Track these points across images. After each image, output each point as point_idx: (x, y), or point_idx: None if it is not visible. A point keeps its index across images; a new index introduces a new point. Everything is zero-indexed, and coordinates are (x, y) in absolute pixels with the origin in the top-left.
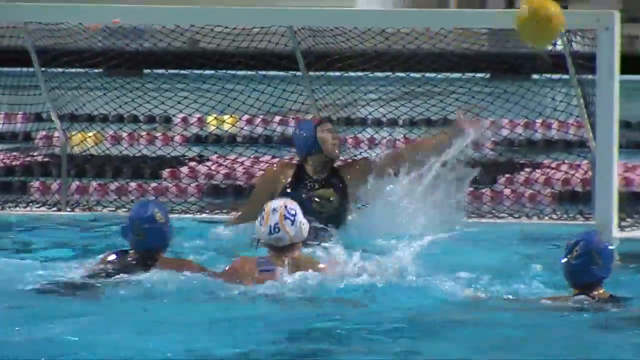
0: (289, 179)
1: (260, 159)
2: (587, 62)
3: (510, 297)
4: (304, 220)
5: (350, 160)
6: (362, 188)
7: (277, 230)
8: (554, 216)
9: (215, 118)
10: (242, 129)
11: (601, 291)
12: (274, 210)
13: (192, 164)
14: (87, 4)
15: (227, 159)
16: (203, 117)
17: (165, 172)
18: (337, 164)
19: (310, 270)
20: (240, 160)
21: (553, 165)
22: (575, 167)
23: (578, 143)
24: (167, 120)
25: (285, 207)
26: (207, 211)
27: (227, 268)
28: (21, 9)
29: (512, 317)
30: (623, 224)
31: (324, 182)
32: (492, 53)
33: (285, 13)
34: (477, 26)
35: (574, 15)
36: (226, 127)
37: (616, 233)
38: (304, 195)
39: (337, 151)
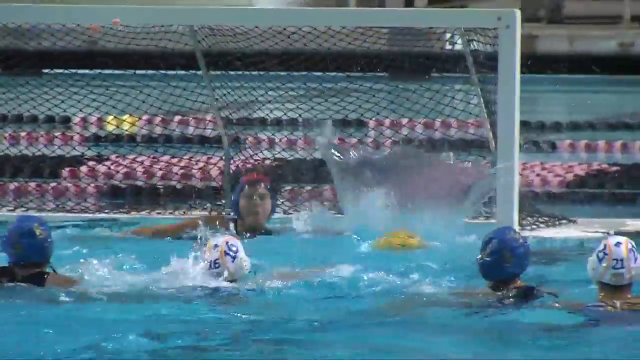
0: None
1: (160, 159)
2: (487, 61)
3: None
4: (245, 257)
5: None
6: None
7: (217, 266)
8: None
9: (115, 117)
10: (141, 128)
11: (518, 283)
12: (216, 246)
13: (92, 163)
14: None
15: (127, 158)
16: (102, 117)
17: (65, 172)
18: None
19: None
20: (139, 160)
21: None
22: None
23: (478, 142)
24: (66, 120)
25: (227, 243)
26: (106, 211)
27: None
28: None
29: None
30: (523, 222)
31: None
32: (392, 52)
33: (185, 12)
34: (376, 25)
35: (474, 13)
36: (125, 126)
37: None
38: None
39: (255, 219)
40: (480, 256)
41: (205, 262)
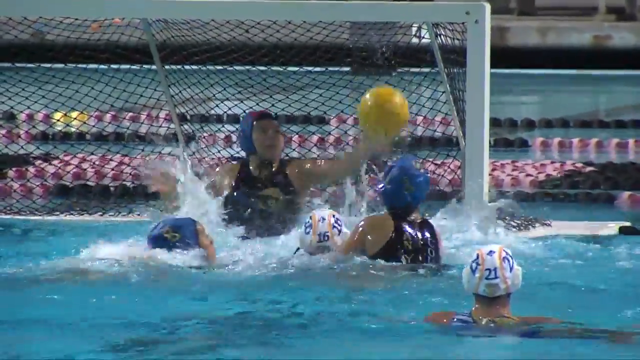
0: (233, 180)
1: (111, 158)
2: (456, 56)
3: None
4: (346, 231)
5: (297, 160)
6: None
7: (326, 238)
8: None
9: (65, 115)
10: (93, 126)
11: (416, 215)
12: (322, 219)
13: (39, 163)
14: None
15: (76, 157)
16: (50, 114)
17: (11, 172)
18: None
19: None
20: (89, 159)
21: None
22: (442, 166)
23: (445, 141)
24: (12, 116)
25: (334, 216)
26: (56, 213)
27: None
28: None
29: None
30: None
31: (268, 181)
32: (355, 46)
33: (138, 4)
34: (339, 19)
35: (442, 7)
36: (75, 124)
37: None
38: (248, 197)
39: (272, 153)
40: (381, 185)
41: (314, 234)
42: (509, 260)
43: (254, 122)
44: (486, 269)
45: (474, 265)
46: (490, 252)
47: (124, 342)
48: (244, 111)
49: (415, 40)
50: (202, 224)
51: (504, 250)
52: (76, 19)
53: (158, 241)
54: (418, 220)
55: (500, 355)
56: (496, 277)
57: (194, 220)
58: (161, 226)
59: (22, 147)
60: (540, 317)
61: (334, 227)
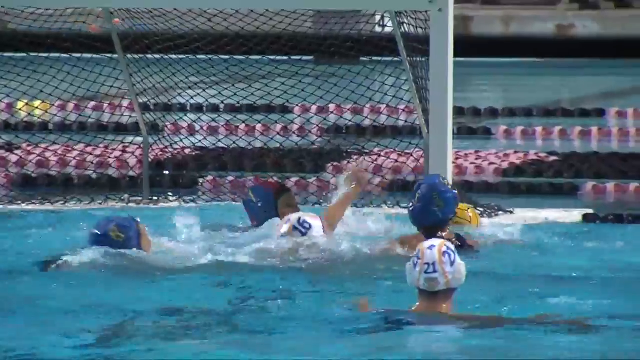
0: None
1: (74, 147)
2: (419, 45)
3: None
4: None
5: None
6: None
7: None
8: (386, 206)
9: (27, 104)
10: (55, 115)
11: (446, 232)
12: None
13: (2, 152)
14: None
15: (39, 147)
16: (13, 103)
17: None
18: None
19: None
20: (52, 148)
21: (383, 153)
22: (406, 155)
23: (409, 129)
24: None
25: (299, 220)
26: (18, 202)
27: None
28: None
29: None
30: None
31: None
32: (318, 35)
33: None
34: (302, 7)
35: None
36: (37, 113)
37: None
38: None
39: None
40: (410, 204)
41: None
42: (449, 255)
43: (278, 197)
44: (425, 263)
45: (415, 259)
46: (431, 247)
47: (93, 331)
48: (207, 100)
49: (378, 29)
50: (143, 225)
51: (445, 245)
52: (38, 9)
53: (101, 238)
54: (449, 237)
55: (430, 348)
56: (435, 272)
57: (137, 221)
58: (106, 224)
59: None
60: (478, 315)
61: (295, 228)
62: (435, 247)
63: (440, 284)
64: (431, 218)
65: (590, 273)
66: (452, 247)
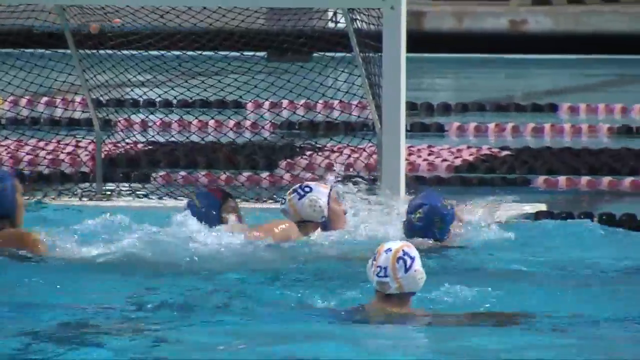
0: None
1: (26, 143)
2: (372, 41)
3: None
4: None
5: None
6: None
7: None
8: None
9: None
10: (8, 110)
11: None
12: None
13: None
14: None
15: None
16: None
17: None
18: None
19: None
20: (4, 144)
21: (336, 148)
22: (359, 151)
23: (362, 125)
24: None
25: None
26: None
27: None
28: None
29: None
30: None
31: None
32: (271, 31)
33: None
34: (254, 4)
35: None
36: None
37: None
38: None
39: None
40: (412, 217)
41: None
42: (405, 261)
43: (222, 203)
44: (378, 266)
45: (372, 259)
46: (388, 250)
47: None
48: (159, 95)
49: (331, 25)
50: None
51: (402, 250)
52: None
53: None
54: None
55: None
56: (386, 276)
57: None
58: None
59: None
60: (434, 312)
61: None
62: (391, 251)
63: (391, 288)
64: (429, 236)
65: (539, 269)
66: (412, 252)
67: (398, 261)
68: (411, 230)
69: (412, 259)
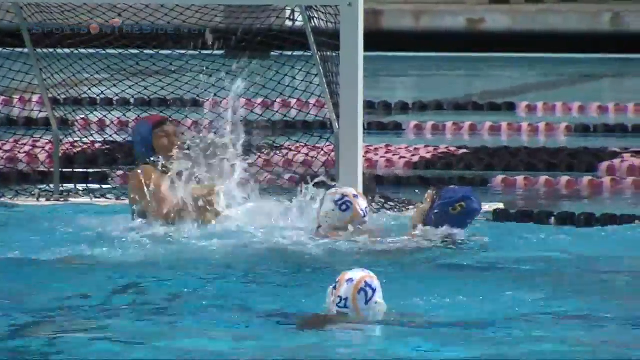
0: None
1: None
2: (329, 39)
3: None
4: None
5: None
6: None
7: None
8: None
9: None
10: None
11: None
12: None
13: None
14: None
15: None
16: None
17: None
18: None
19: None
20: None
21: (293, 147)
22: (316, 149)
23: (319, 124)
24: None
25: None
26: None
27: None
28: None
29: None
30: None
31: None
32: (229, 29)
33: None
34: (212, 2)
35: None
36: None
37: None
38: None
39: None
40: (455, 209)
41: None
42: (366, 293)
43: (154, 128)
44: (339, 296)
45: (332, 287)
46: (349, 280)
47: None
48: (117, 94)
49: (288, 23)
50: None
51: (364, 281)
52: None
53: None
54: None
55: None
56: (346, 307)
57: None
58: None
59: None
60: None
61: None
62: (353, 281)
63: (351, 318)
64: (457, 226)
65: (496, 270)
66: (374, 283)
67: (359, 292)
68: (443, 220)
69: (374, 290)
